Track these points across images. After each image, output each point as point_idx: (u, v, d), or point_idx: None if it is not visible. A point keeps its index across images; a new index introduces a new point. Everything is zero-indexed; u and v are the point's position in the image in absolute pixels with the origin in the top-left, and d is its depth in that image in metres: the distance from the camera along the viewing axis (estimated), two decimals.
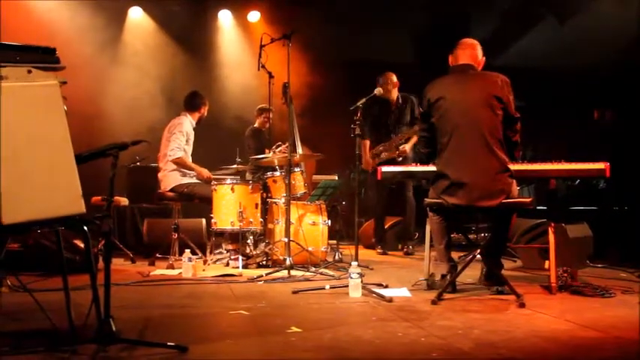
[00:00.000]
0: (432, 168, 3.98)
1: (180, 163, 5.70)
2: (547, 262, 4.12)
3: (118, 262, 5.73)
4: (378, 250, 6.53)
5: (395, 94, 6.44)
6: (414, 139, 6.23)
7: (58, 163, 2.37)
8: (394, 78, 6.42)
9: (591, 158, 3.99)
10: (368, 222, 7.40)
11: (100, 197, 5.39)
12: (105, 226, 2.43)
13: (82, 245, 4.36)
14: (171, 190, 5.70)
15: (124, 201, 6.41)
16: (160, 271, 5.02)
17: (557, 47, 8.30)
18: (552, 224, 3.98)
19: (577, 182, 7.94)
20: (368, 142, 6.52)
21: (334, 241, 6.04)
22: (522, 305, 3.45)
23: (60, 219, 2.43)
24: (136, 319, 3.11)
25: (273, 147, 6.07)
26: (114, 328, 2.42)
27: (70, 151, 2.40)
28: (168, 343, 2.48)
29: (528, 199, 3.83)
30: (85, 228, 2.52)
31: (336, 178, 7.09)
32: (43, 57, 2.45)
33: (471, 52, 3.99)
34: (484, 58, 4.04)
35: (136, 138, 2.80)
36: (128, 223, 6.82)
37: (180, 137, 5.73)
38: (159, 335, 2.76)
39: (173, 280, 4.58)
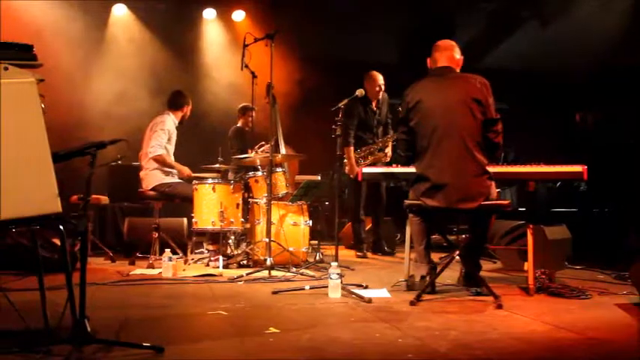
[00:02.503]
0: (412, 169, 3.99)
1: (160, 161, 5.67)
2: (526, 264, 4.16)
3: (97, 261, 5.69)
4: (358, 254, 6.48)
5: (381, 94, 6.43)
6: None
7: (34, 162, 2.35)
8: (380, 79, 6.39)
9: (572, 161, 4.03)
10: (350, 222, 7.40)
11: (78, 196, 5.35)
12: (80, 226, 2.41)
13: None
14: (153, 189, 5.67)
15: (104, 199, 6.36)
16: (139, 270, 4.99)
17: (539, 50, 8.37)
18: (531, 226, 4.01)
19: (558, 185, 8.01)
20: (352, 149, 6.32)
21: (315, 242, 6.04)
22: (500, 306, 3.48)
23: (36, 218, 2.41)
24: (113, 319, 3.09)
25: (256, 147, 6.05)
26: (89, 329, 2.40)
27: (46, 150, 2.38)
28: (144, 344, 2.47)
29: (507, 202, 3.87)
30: (62, 227, 2.50)
31: (319, 178, 7.08)
32: (19, 54, 2.43)
33: (448, 53, 4.01)
34: (462, 57, 4.06)
35: (116, 137, 2.78)
36: (109, 222, 6.78)
37: (162, 135, 5.71)
38: (136, 336, 2.74)
39: (153, 279, 4.55)
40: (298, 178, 7.16)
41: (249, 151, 6.15)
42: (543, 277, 4.05)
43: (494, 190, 3.87)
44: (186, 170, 5.78)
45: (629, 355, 2.66)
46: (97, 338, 2.47)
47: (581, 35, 7.47)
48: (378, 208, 6.59)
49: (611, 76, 7.58)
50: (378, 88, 6.37)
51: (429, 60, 4.09)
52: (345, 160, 6.29)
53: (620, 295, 3.96)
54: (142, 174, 5.80)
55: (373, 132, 6.46)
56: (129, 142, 2.81)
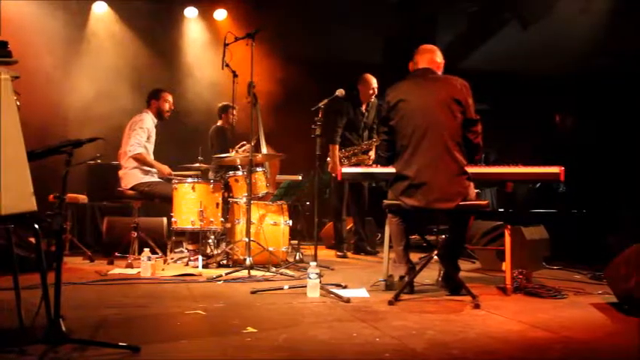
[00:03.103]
0: (391, 170, 4.01)
1: (140, 160, 5.64)
2: (504, 264, 4.19)
3: (76, 261, 5.64)
4: (338, 254, 6.47)
5: (372, 97, 6.44)
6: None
7: (8, 160, 2.32)
8: (373, 82, 6.36)
9: (552, 162, 4.07)
10: (331, 222, 7.41)
11: (54, 195, 5.30)
12: (55, 225, 2.39)
13: None
14: (132, 188, 5.62)
15: (83, 198, 6.31)
16: (118, 270, 4.94)
17: (520, 52, 8.44)
18: (508, 227, 4.05)
19: (538, 185, 8.09)
20: (337, 147, 6.30)
21: (296, 242, 6.04)
22: (477, 306, 3.50)
23: (11, 216, 2.38)
24: (90, 318, 3.06)
25: (237, 146, 6.03)
26: (64, 328, 2.38)
27: (21, 148, 2.35)
28: (120, 344, 2.44)
29: (485, 202, 3.89)
30: (37, 226, 2.48)
31: (300, 178, 7.07)
32: None
33: (429, 56, 4.05)
34: (444, 60, 4.10)
35: (96, 136, 2.76)
36: (87, 221, 6.71)
37: (141, 133, 5.68)
38: (112, 335, 2.72)
39: (131, 279, 4.51)
40: (279, 177, 7.15)
41: (230, 150, 6.12)
42: (521, 277, 4.08)
43: (473, 191, 3.90)
44: (166, 169, 5.74)
45: (603, 354, 2.70)
46: (71, 338, 2.44)
47: (562, 38, 7.55)
48: (360, 208, 6.60)
49: (590, 78, 7.67)
50: (371, 91, 6.38)
51: (411, 63, 4.13)
52: (329, 159, 6.29)
53: (595, 294, 4.02)
54: (120, 173, 5.76)
55: (359, 134, 6.46)
56: (106, 140, 2.80)
